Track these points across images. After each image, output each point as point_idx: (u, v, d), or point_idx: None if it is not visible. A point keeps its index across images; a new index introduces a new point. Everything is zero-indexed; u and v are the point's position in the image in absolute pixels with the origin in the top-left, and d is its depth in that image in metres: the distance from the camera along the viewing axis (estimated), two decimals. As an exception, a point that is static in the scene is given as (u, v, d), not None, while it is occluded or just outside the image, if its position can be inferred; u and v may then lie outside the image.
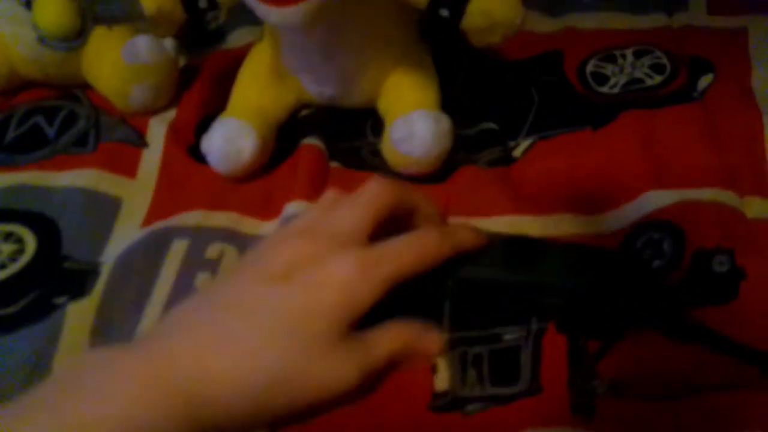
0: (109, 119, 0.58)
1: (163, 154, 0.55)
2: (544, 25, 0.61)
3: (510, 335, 0.41)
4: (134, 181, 0.53)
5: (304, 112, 0.56)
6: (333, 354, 0.28)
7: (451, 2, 0.46)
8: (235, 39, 0.62)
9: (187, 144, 0.56)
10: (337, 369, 0.28)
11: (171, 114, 0.58)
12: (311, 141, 0.53)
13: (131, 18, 0.46)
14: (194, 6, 0.48)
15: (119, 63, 0.56)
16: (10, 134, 0.57)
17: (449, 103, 0.52)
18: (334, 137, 0.54)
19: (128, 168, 0.54)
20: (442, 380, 0.40)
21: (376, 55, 0.51)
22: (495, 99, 0.55)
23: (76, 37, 0.43)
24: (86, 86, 0.61)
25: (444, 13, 0.47)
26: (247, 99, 0.53)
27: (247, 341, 0.26)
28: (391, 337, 0.29)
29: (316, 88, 0.53)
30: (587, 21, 0.61)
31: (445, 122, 0.49)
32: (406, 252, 0.29)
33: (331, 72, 0.51)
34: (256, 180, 0.52)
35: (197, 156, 0.54)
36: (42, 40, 0.44)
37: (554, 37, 0.60)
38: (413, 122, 0.48)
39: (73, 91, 0.61)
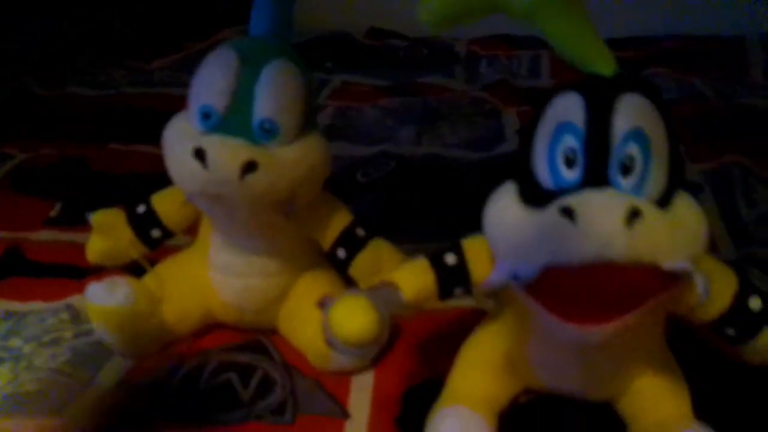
0: (304, 383, 0.53)
1: (368, 428, 0.50)
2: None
3: None
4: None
5: (522, 399, 0.52)
6: None
7: (739, 323, 0.43)
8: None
9: (394, 414, 0.51)
10: None
11: (369, 379, 0.54)
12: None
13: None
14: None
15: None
16: (202, 385, 0.53)
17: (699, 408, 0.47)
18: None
19: (331, 441, 0.49)
20: None
21: (630, 357, 0.47)
22: (751, 407, 0.50)
23: (371, 345, 0.39)
24: (272, 331, 0.58)
25: (730, 332, 0.44)
26: (473, 384, 0.49)
27: None
28: None
29: (553, 381, 0.49)
30: None
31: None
32: None
33: (579, 370, 0.47)
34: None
35: (404, 427, 0.49)
36: (332, 343, 0.40)
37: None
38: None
39: (259, 338, 0.58)
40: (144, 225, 0.57)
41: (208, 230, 0.56)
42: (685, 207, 0.38)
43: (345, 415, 0.51)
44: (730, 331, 0.44)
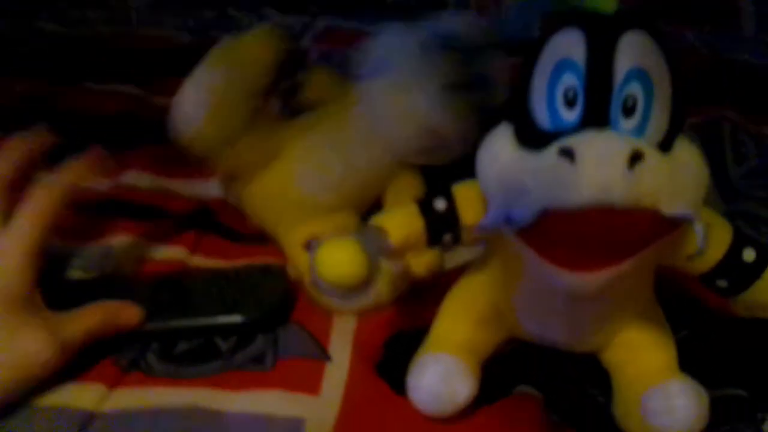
0: (287, 326, 0.52)
1: (349, 373, 0.49)
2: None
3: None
4: (318, 398, 0.47)
5: (507, 348, 0.51)
6: (21, 332, 0.34)
7: (732, 275, 0.43)
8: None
9: (375, 361, 0.50)
10: (29, 343, 0.34)
11: (350, 325, 0.53)
12: (526, 389, 0.48)
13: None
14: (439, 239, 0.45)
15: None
16: (182, 345, 0.51)
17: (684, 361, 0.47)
18: (545, 382, 0.49)
19: (311, 385, 0.48)
20: None
21: (618, 309, 0.46)
22: (736, 361, 0.50)
23: (360, 290, 0.38)
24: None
25: (722, 284, 0.43)
26: (457, 332, 0.48)
27: None
28: (87, 315, 0.38)
29: (539, 331, 0.48)
30: None
31: (704, 397, 0.43)
32: (29, 222, 0.36)
33: (567, 321, 0.46)
34: (463, 420, 0.46)
35: (386, 374, 0.49)
36: (318, 285, 0.38)
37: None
38: (672, 396, 0.43)
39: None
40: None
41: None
42: (687, 152, 0.37)
43: (326, 357, 0.50)
44: (722, 283, 0.43)
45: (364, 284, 0.38)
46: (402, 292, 0.54)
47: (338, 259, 0.38)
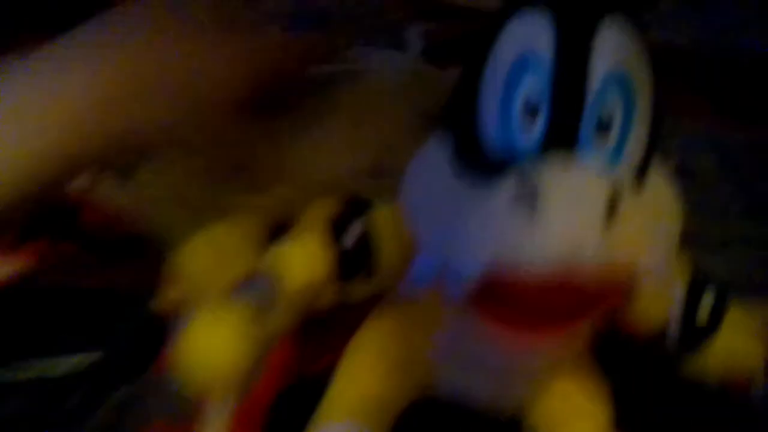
0: (151, 377, 0.42)
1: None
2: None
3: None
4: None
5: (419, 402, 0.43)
6: None
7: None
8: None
9: (262, 424, 0.41)
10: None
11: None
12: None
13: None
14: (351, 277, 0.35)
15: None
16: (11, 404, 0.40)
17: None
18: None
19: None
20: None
21: (555, 363, 0.39)
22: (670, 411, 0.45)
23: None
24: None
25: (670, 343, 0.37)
26: (362, 389, 0.40)
27: None
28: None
29: (457, 389, 0.40)
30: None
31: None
32: None
33: (493, 378, 0.39)
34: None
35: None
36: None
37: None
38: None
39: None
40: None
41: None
42: (661, 184, 0.30)
43: (200, 420, 0.40)
44: (670, 342, 0.37)
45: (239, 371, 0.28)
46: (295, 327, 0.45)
47: (211, 347, 0.28)
